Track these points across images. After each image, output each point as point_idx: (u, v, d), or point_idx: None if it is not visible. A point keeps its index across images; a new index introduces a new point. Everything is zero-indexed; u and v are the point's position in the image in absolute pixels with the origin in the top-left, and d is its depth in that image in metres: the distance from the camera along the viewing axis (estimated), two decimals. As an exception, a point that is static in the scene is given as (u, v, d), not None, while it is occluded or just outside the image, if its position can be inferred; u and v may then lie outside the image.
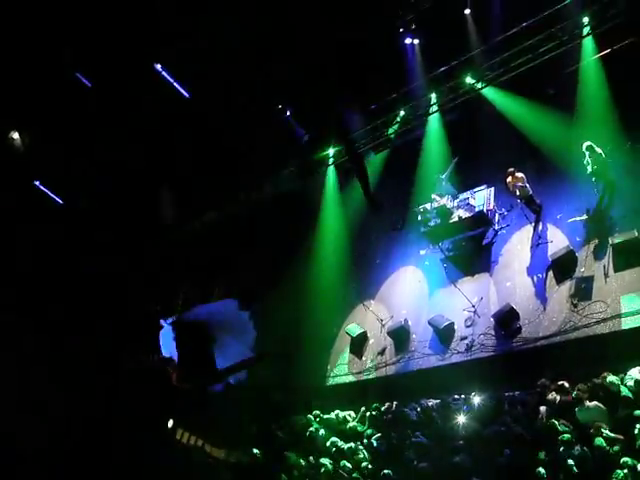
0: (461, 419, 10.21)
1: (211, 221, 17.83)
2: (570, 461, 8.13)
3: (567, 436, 8.31)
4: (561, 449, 8.33)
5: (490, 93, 13.68)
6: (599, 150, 11.28)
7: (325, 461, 11.62)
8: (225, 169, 15.85)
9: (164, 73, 6.26)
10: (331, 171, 17.16)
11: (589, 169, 11.35)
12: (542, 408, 9.14)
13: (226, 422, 14.01)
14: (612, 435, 7.98)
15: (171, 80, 6.33)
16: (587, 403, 8.54)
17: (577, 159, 11.74)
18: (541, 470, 8.38)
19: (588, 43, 12.41)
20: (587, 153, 11.33)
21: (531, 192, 12.47)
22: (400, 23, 13.99)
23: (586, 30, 11.63)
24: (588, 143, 11.33)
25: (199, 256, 16.51)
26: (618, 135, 11.91)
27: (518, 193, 12.47)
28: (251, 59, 13.53)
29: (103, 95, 12.12)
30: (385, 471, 10.43)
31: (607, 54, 12.76)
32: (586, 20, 11.53)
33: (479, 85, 12.74)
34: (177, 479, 13.75)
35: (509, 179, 12.52)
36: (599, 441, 7.94)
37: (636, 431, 7.85)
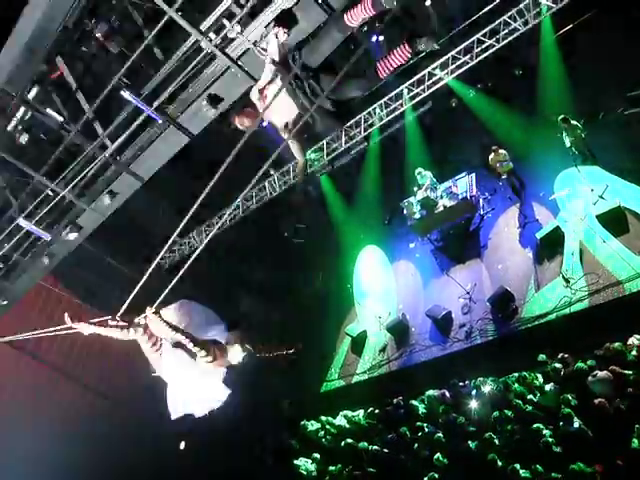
0: (469, 406, 10.25)
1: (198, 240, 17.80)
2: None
3: (567, 410, 8.37)
4: (561, 424, 8.41)
5: (457, 83, 13.86)
6: (575, 123, 11.39)
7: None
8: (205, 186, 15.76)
9: (134, 101, 6.30)
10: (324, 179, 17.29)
11: (567, 142, 11.46)
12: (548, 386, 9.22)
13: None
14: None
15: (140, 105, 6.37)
16: (598, 373, 8.55)
17: (551, 136, 11.90)
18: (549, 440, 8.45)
19: (547, 22, 12.59)
20: (563, 126, 11.44)
21: (513, 166, 12.58)
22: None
23: (545, 9, 11.78)
24: (563, 116, 11.44)
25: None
26: (587, 108, 12.08)
27: (502, 171, 12.57)
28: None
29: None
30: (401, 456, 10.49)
31: (568, 31, 13.00)
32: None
33: (446, 75, 12.88)
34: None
35: (491, 156, 12.64)
36: None
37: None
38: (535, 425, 8.66)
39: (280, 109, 5.01)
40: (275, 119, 5.17)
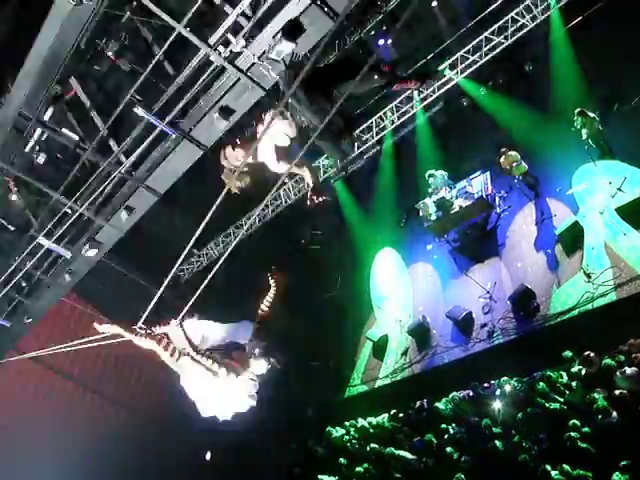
0: (494, 406, 10.15)
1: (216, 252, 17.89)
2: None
3: (602, 403, 8.20)
4: (599, 417, 8.24)
5: (468, 83, 13.84)
6: (592, 115, 11.25)
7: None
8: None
9: (147, 116, 6.39)
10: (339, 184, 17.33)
11: (583, 135, 11.33)
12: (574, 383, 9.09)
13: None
14: None
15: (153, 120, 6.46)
16: (627, 369, 8.41)
17: (565, 130, 11.79)
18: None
19: (556, 16, 12.51)
20: (580, 119, 11.32)
21: (527, 167, 12.50)
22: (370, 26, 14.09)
23: (553, 3, 11.72)
24: (580, 109, 11.32)
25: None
26: (601, 100, 11.95)
27: (514, 171, 12.50)
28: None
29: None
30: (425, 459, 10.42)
31: (577, 23, 12.89)
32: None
33: (456, 75, 12.87)
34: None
35: (502, 159, 12.57)
36: None
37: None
38: (571, 422, 8.51)
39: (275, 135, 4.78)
40: (267, 154, 4.90)
